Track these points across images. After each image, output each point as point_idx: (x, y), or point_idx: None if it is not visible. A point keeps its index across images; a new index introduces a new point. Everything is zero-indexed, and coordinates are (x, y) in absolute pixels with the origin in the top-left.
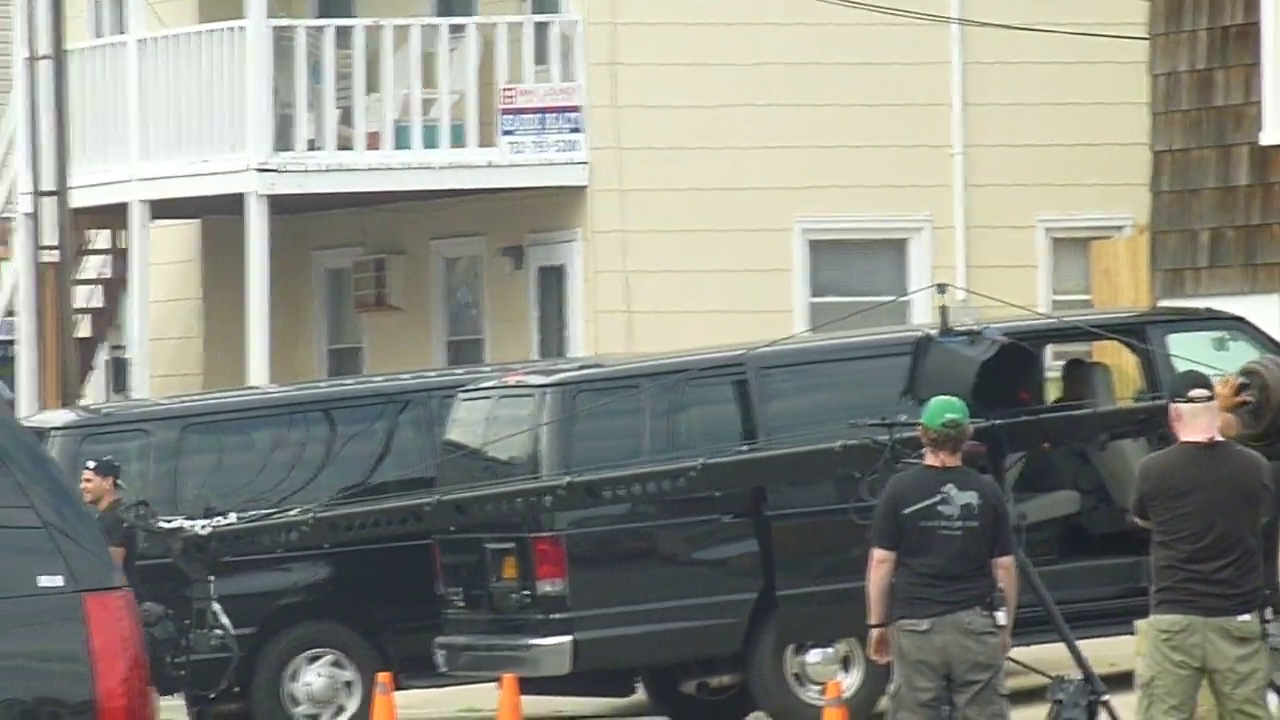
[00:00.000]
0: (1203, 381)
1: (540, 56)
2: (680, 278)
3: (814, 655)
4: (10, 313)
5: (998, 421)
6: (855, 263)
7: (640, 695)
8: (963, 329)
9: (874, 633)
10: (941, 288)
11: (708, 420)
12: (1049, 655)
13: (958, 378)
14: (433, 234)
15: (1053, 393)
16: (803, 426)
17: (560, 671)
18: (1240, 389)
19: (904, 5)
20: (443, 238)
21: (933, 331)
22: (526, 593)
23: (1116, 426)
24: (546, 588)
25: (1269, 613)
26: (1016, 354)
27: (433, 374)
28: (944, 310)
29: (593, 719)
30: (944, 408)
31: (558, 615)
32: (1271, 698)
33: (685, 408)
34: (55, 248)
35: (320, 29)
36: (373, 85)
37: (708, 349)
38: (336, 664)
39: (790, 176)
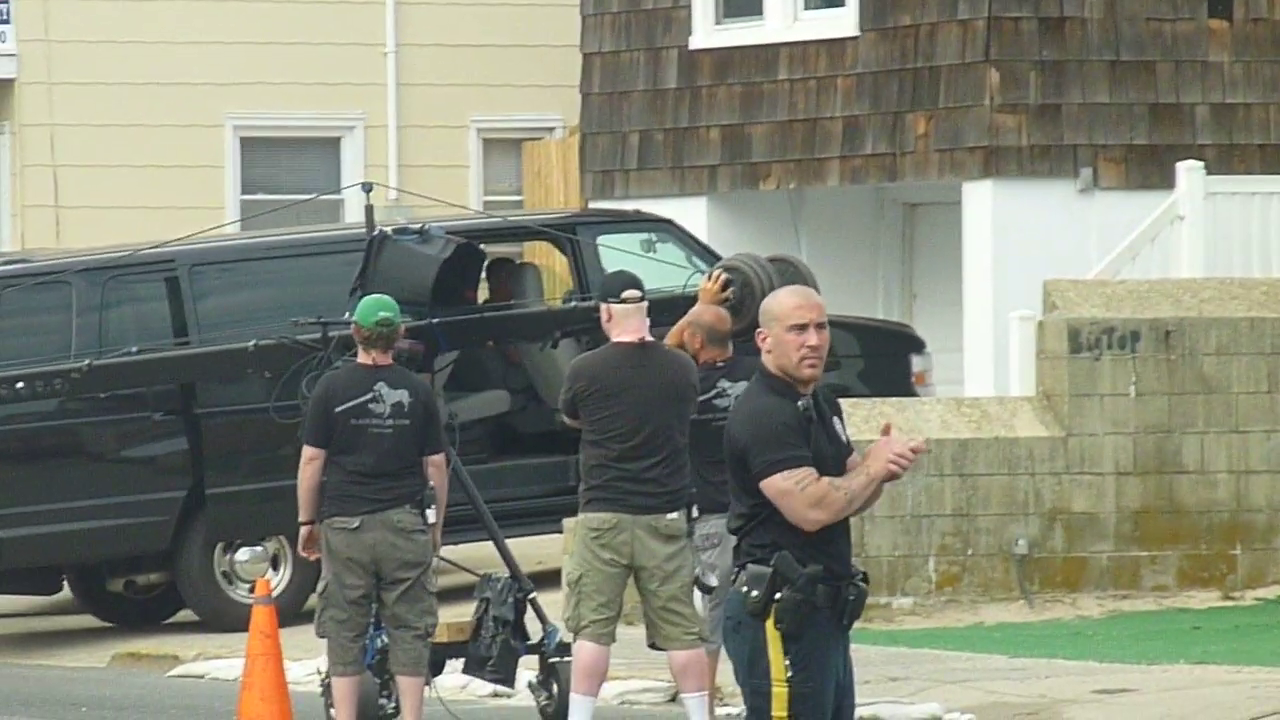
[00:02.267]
0: (634, 282)
1: None
2: (110, 173)
3: (243, 553)
4: None
5: (435, 320)
6: (287, 160)
7: (66, 593)
8: (414, 227)
9: (304, 530)
10: (367, 186)
11: (140, 317)
12: (478, 554)
13: (412, 275)
14: None
15: (481, 293)
16: (238, 324)
17: None
18: (725, 285)
19: None
20: None
21: (389, 228)
22: None
23: (566, 325)
24: None
25: (694, 511)
26: (464, 252)
27: None
28: (370, 210)
29: (17, 616)
30: (376, 305)
31: None
32: (696, 595)
33: (116, 304)
34: None
35: None
36: None
37: (138, 244)
38: None
39: (222, 72)
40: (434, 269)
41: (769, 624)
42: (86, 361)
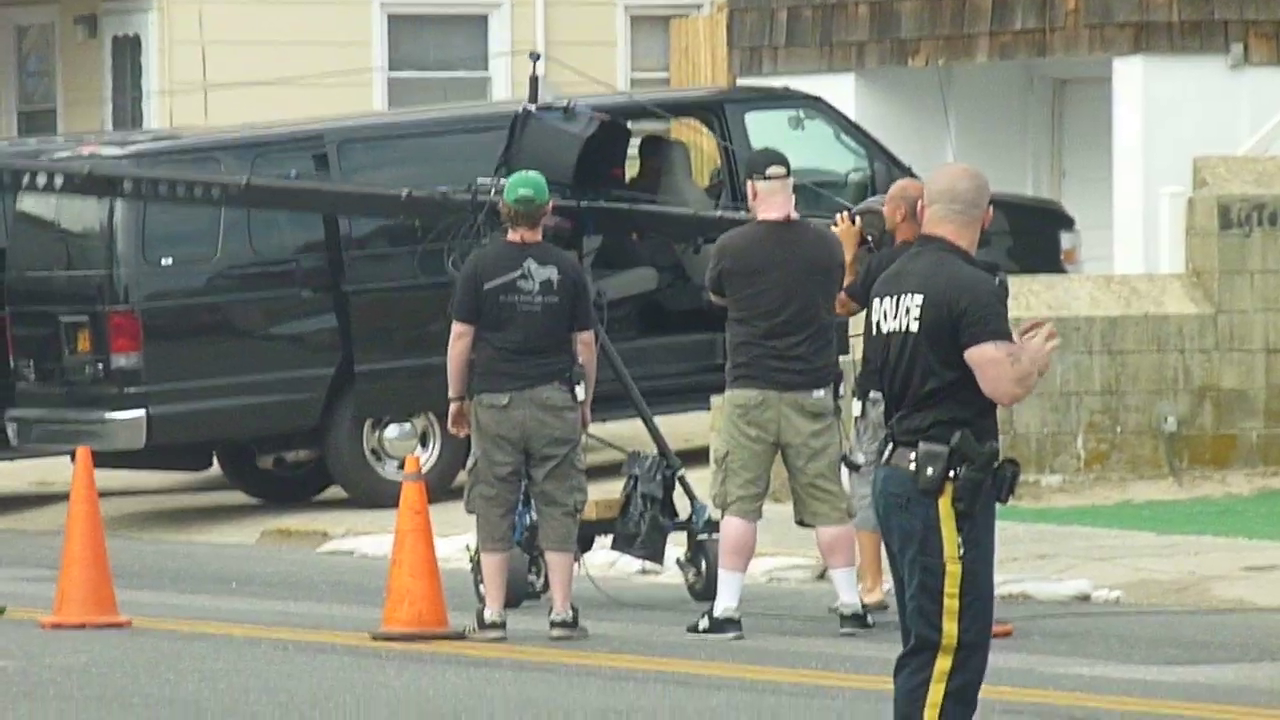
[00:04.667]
0: (779, 159)
1: None
2: (257, 49)
3: (392, 430)
4: None
5: (583, 204)
6: (433, 37)
7: (216, 470)
8: (558, 104)
9: (453, 406)
10: (535, 55)
11: None
12: (627, 431)
13: (555, 153)
14: (2, 1)
15: (631, 170)
16: None
17: (135, 446)
18: (863, 232)
19: None
20: (13, 5)
21: (530, 106)
22: (101, 366)
23: (706, 231)
24: (121, 361)
25: (842, 389)
26: (609, 130)
27: (4, 143)
28: (535, 80)
29: (168, 493)
30: (521, 183)
31: (132, 389)
32: (843, 472)
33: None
34: None
35: None
36: None
37: (286, 122)
38: None
39: None
40: (577, 147)
41: (943, 501)
42: (245, 177)
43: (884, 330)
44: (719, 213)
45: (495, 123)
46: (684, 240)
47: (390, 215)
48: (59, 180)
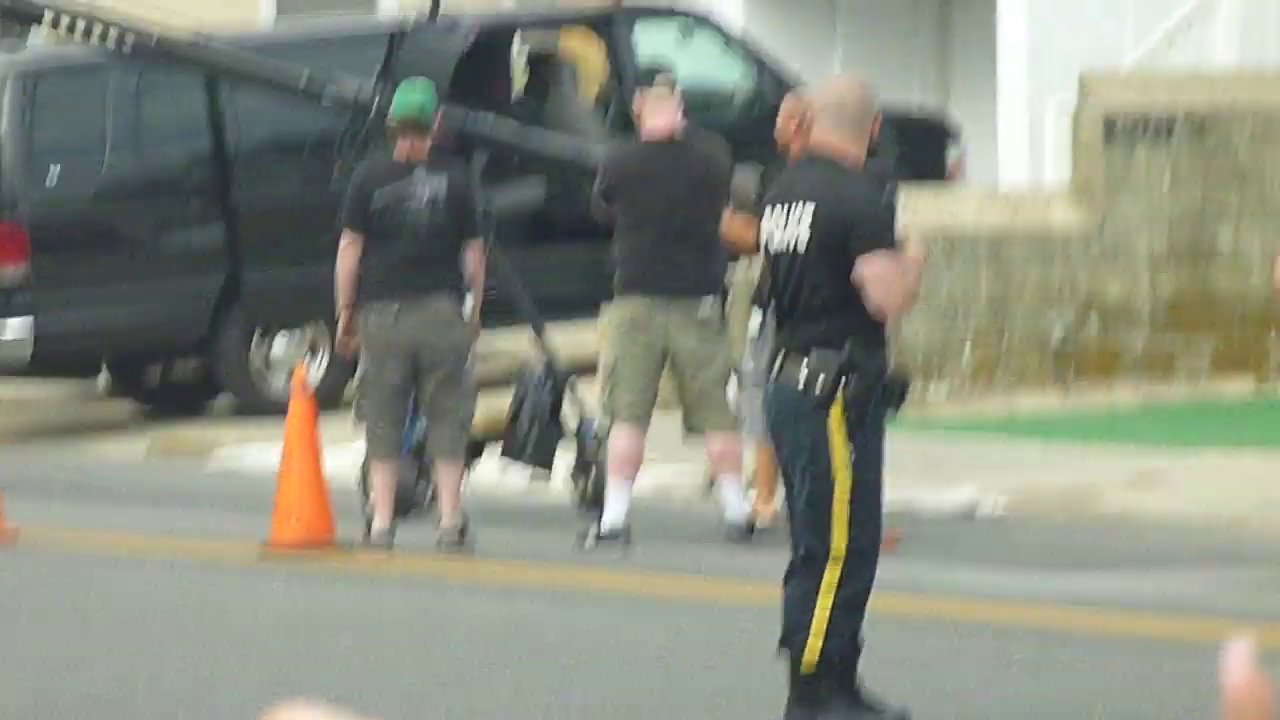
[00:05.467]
0: (665, 69)
1: None
2: None
3: (281, 341)
4: None
5: (467, 127)
6: None
7: (105, 379)
8: (435, 21)
9: (343, 315)
10: None
11: (177, 106)
12: (517, 341)
13: (432, 67)
14: None
15: (517, 84)
16: (274, 114)
17: (22, 356)
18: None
19: None
20: None
21: (407, 22)
22: None
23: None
24: (8, 272)
25: (729, 299)
26: (488, 44)
27: None
28: None
29: (56, 403)
30: (411, 91)
31: (19, 300)
32: (732, 383)
33: (151, 93)
34: None
35: None
36: None
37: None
38: None
39: None
40: (452, 63)
41: (834, 412)
42: (156, 33)
43: (775, 241)
44: (596, 158)
45: (378, 37)
46: (559, 178)
47: (286, 94)
48: None
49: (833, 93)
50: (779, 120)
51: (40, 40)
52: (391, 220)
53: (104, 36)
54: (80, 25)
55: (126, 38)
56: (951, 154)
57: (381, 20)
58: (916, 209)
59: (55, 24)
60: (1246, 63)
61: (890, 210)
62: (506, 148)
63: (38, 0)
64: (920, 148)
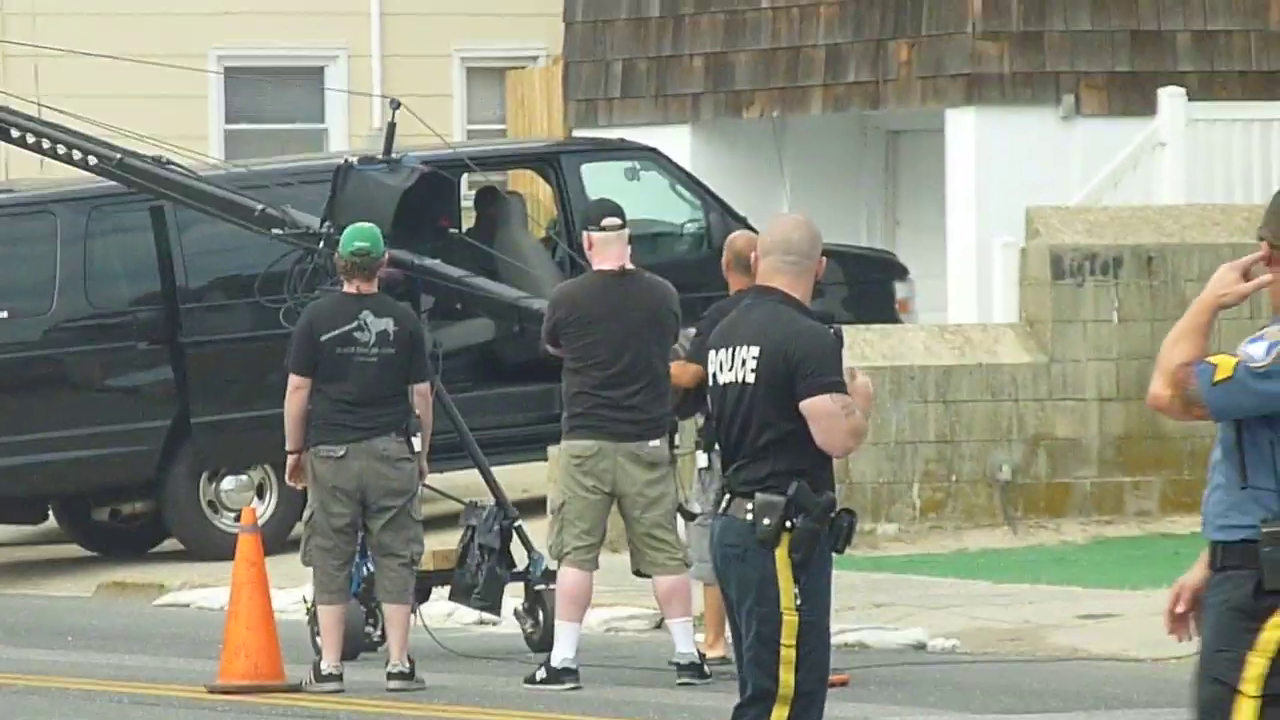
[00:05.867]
0: (615, 210)
1: None
2: (94, 103)
3: (229, 482)
4: None
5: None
6: (271, 90)
7: (52, 522)
8: (380, 157)
9: (290, 459)
10: (395, 103)
11: (125, 247)
12: (464, 481)
13: (378, 205)
14: None
15: (467, 221)
16: (223, 254)
17: None
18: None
19: None
20: None
21: (353, 158)
22: None
23: (524, 320)
24: None
25: (677, 439)
26: (431, 182)
27: None
28: (392, 129)
29: (3, 546)
30: (355, 235)
31: None
32: (679, 522)
33: (100, 235)
34: None
35: None
36: None
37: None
38: None
39: (205, 3)
40: (395, 199)
41: (780, 552)
42: (119, 153)
43: (720, 382)
44: (537, 305)
45: (323, 175)
46: (500, 320)
47: (240, 220)
48: None
49: (778, 232)
50: (723, 259)
51: None
52: (339, 362)
53: (68, 153)
54: (45, 142)
55: (90, 156)
56: (900, 291)
57: (330, 158)
58: (864, 347)
59: (21, 141)
60: (1193, 200)
61: (835, 351)
62: (450, 291)
63: (2, 116)
64: (868, 286)
